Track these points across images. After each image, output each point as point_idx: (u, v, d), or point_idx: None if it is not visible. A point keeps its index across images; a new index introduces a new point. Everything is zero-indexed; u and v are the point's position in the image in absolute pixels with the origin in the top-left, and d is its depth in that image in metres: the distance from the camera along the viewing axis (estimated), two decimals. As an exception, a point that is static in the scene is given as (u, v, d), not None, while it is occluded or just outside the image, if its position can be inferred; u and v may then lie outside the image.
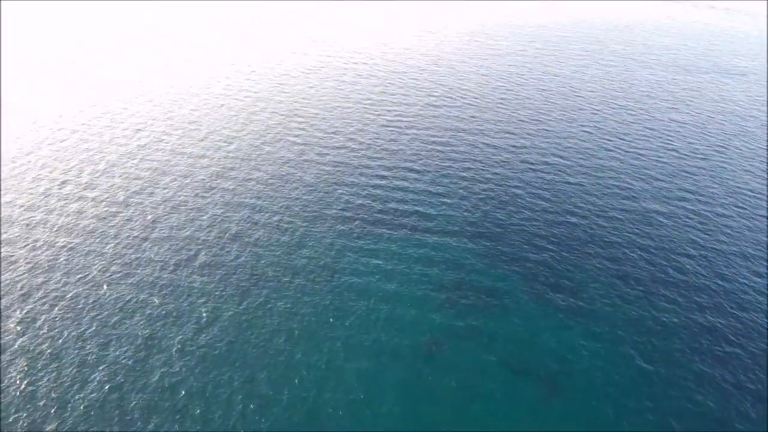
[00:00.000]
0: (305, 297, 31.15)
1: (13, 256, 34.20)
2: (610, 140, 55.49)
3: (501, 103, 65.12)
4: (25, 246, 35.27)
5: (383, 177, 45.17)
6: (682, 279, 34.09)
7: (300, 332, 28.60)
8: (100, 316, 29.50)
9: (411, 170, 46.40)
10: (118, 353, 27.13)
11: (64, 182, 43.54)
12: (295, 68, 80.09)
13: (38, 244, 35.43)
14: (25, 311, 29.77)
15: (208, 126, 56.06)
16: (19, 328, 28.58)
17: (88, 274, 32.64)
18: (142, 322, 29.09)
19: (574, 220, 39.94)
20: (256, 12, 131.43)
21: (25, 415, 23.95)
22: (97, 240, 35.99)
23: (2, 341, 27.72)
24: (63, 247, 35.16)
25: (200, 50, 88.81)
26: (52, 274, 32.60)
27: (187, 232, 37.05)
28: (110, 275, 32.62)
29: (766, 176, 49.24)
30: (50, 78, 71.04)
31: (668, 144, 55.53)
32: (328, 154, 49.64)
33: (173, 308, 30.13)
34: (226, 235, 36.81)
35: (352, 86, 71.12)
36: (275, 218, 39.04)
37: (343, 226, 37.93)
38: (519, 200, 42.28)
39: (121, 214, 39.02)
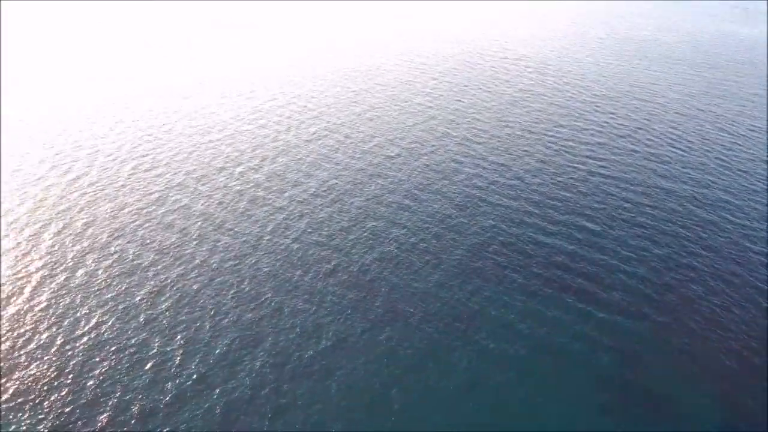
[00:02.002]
0: (433, 347, 27.18)
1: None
2: None
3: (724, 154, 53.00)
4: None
5: (553, 222, 38.87)
6: None
7: (416, 396, 24.70)
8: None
9: (590, 219, 39.25)
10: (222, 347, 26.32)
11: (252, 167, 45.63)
12: (479, 79, 75.95)
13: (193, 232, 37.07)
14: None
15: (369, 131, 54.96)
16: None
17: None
18: (267, 332, 28.00)
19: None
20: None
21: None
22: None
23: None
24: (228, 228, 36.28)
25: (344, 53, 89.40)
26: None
27: (319, 239, 35.61)
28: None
29: None
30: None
31: None
32: (491, 183, 44.69)
33: (294, 325, 28.58)
34: (368, 255, 34.46)
35: (545, 103, 64.53)
36: (412, 239, 35.73)
37: (492, 272, 32.98)
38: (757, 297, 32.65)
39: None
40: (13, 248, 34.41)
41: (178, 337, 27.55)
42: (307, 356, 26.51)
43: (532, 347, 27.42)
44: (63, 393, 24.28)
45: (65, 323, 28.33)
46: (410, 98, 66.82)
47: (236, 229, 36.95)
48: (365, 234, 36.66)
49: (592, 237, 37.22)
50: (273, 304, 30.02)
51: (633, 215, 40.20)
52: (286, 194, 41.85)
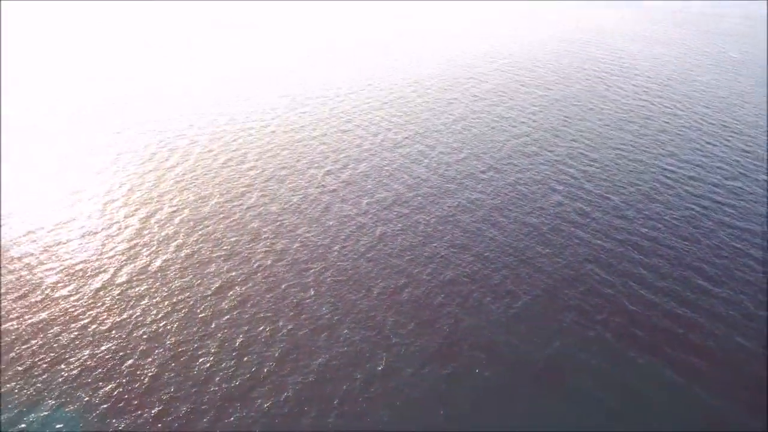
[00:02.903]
0: (491, 397, 24.78)
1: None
2: None
3: None
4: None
5: (661, 275, 34.41)
6: None
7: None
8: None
9: (710, 279, 34.27)
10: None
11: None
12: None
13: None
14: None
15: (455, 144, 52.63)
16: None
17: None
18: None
19: None
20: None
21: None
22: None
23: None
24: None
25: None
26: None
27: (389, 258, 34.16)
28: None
29: None
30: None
31: None
32: (587, 217, 40.72)
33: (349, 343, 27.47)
34: (437, 281, 32.59)
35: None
36: (488, 269, 33.15)
37: (576, 322, 29.66)
38: None
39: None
40: (105, 228, 36.68)
41: (235, 339, 27.55)
42: (355, 381, 25.31)
43: (628, 417, 24.08)
44: (120, 380, 25.07)
45: (136, 308, 29.46)
46: (505, 111, 63.62)
47: (309, 236, 36.69)
48: (438, 257, 34.80)
49: (711, 300, 31.91)
50: (333, 319, 29.18)
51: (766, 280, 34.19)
52: (364, 203, 41.07)
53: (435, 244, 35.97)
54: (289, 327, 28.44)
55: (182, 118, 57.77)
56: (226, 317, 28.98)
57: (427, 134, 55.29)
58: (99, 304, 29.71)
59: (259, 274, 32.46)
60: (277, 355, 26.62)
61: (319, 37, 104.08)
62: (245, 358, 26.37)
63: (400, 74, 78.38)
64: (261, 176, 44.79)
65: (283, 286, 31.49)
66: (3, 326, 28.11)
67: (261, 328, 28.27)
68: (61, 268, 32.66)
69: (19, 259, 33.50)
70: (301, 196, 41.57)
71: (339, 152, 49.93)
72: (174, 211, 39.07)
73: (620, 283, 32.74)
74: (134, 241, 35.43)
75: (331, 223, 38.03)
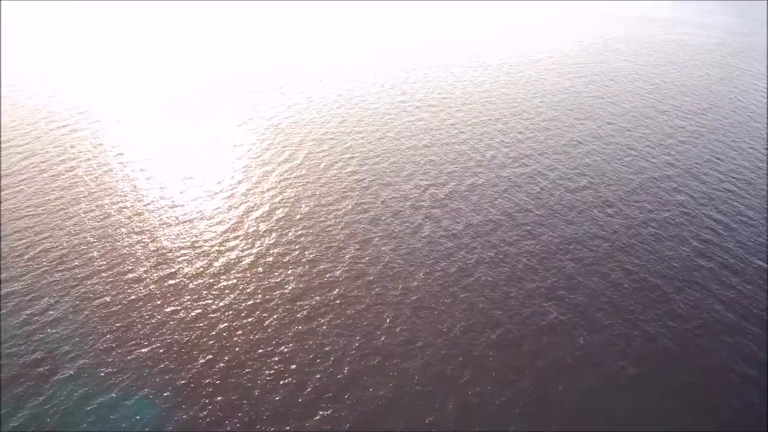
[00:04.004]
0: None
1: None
2: None
3: None
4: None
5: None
6: None
7: None
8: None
9: None
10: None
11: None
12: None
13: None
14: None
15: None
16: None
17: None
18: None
19: None
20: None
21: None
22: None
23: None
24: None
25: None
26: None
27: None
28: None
29: None
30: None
31: None
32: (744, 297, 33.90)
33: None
34: (535, 324, 28.71)
35: None
36: (598, 329, 28.44)
37: (703, 396, 24.24)
38: None
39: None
40: (207, 218, 37.69)
41: (302, 351, 26.28)
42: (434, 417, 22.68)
43: None
44: (192, 371, 24.90)
45: (218, 299, 29.47)
46: (639, 140, 56.36)
47: (395, 256, 34.59)
48: (537, 300, 30.84)
49: None
50: (408, 354, 26.76)
51: None
52: (461, 225, 38.07)
53: (535, 285, 32.00)
54: (357, 347, 26.56)
55: (299, 117, 58.78)
56: (299, 326, 27.89)
57: (545, 155, 50.59)
58: (186, 291, 30.22)
59: (336, 290, 31.04)
60: (343, 373, 24.88)
61: (439, 41, 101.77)
62: (308, 371, 24.96)
63: (523, 87, 73.50)
64: (361, 184, 43.61)
65: (360, 306, 29.75)
66: (94, 302, 29.57)
67: (328, 346, 26.73)
68: (159, 250, 34.00)
69: (123, 236, 35.52)
70: (395, 211, 39.63)
71: (444, 165, 47.28)
72: (273, 209, 39.21)
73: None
74: (231, 233, 35.96)
75: (420, 245, 35.61)
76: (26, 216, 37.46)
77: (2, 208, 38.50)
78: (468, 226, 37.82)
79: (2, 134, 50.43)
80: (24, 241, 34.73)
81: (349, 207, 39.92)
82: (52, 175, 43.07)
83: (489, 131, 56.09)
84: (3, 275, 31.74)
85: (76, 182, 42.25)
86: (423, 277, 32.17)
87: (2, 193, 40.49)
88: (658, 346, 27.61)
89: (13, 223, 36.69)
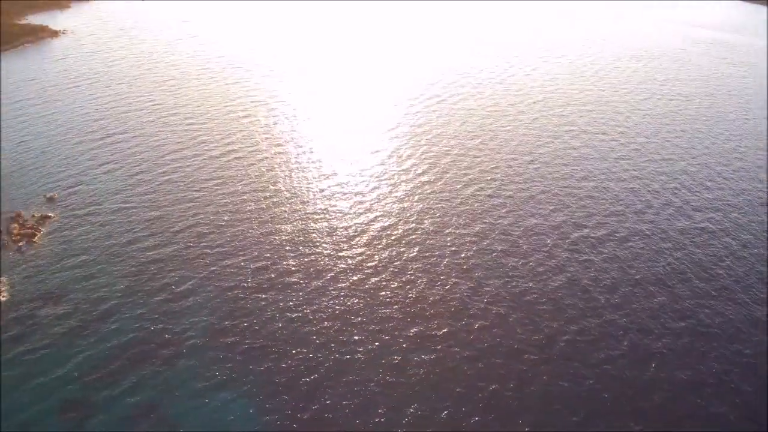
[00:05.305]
0: None
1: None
2: None
3: None
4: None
5: None
6: None
7: None
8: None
9: None
10: None
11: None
12: None
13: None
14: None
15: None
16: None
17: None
18: None
19: None
20: None
21: None
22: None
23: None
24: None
25: None
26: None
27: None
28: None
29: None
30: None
31: None
32: None
33: None
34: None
35: None
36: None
37: None
38: None
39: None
40: (375, 188, 37.43)
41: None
42: None
43: None
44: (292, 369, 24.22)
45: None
46: None
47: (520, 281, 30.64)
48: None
49: None
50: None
51: None
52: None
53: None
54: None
55: (448, 128, 56.48)
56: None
57: (741, 211, 41.72)
58: (302, 287, 29.98)
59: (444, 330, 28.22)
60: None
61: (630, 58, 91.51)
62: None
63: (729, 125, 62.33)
64: (499, 209, 39.90)
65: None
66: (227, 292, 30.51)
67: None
68: (335, 214, 37.64)
69: (307, 201, 38.83)
70: (535, 247, 35.31)
71: (605, 204, 41.26)
72: (432, 192, 41.04)
73: None
74: (397, 203, 38.85)
75: (562, 293, 31.10)
76: (187, 192, 40.64)
77: (167, 179, 42.47)
78: (616, 285, 32.11)
79: (183, 111, 56.30)
80: (183, 215, 37.57)
81: (482, 234, 36.61)
82: (220, 154, 46.78)
83: (669, 171, 48.01)
84: (151, 242, 34.52)
85: (232, 166, 45.22)
86: (548, 344, 27.83)
87: (177, 165, 44.88)
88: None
89: (177, 194, 40.16)
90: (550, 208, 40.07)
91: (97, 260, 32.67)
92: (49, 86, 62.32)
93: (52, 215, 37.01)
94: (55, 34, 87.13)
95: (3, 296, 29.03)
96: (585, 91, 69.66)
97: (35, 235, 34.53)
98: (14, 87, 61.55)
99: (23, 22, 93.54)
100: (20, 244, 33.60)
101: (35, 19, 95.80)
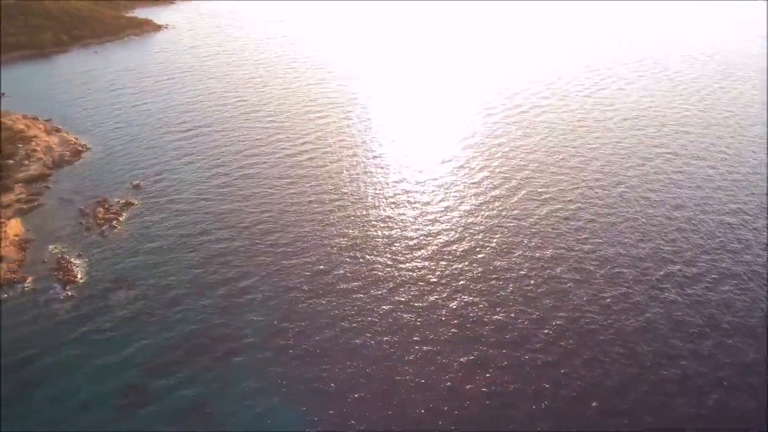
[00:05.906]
0: None
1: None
2: None
3: None
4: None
5: None
6: None
7: None
8: None
9: None
10: None
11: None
12: None
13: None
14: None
15: None
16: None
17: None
18: None
19: None
20: None
21: None
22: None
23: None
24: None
25: None
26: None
27: None
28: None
29: None
30: None
31: None
32: None
33: None
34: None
35: None
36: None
37: None
38: None
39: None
40: (444, 199, 36.61)
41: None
42: None
43: None
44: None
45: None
46: None
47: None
48: None
49: None
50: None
51: None
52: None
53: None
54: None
55: (528, 140, 53.91)
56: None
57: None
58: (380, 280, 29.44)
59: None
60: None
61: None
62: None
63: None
64: (578, 235, 37.19)
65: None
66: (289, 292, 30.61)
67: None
68: (399, 222, 37.28)
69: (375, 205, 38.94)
70: (613, 280, 32.49)
71: (694, 238, 37.36)
72: (503, 209, 39.47)
73: None
74: (464, 217, 38.06)
75: (639, 340, 28.31)
76: (259, 192, 41.53)
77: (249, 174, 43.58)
78: (703, 334, 28.71)
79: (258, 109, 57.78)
80: (246, 212, 38.42)
81: (554, 260, 34.17)
82: (297, 153, 47.57)
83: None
84: (221, 234, 35.39)
85: (304, 166, 45.70)
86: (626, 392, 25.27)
87: (253, 161, 46.07)
88: None
89: (250, 189, 41.15)
90: (635, 238, 36.74)
91: (170, 248, 34.00)
92: (146, 77, 66.44)
93: (135, 202, 39.04)
94: (158, 28, 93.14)
95: (80, 277, 30.80)
96: (684, 111, 64.06)
97: (117, 219, 36.52)
98: (115, 76, 66.19)
99: (130, 15, 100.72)
100: (103, 228, 35.64)
101: (142, 13, 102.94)
